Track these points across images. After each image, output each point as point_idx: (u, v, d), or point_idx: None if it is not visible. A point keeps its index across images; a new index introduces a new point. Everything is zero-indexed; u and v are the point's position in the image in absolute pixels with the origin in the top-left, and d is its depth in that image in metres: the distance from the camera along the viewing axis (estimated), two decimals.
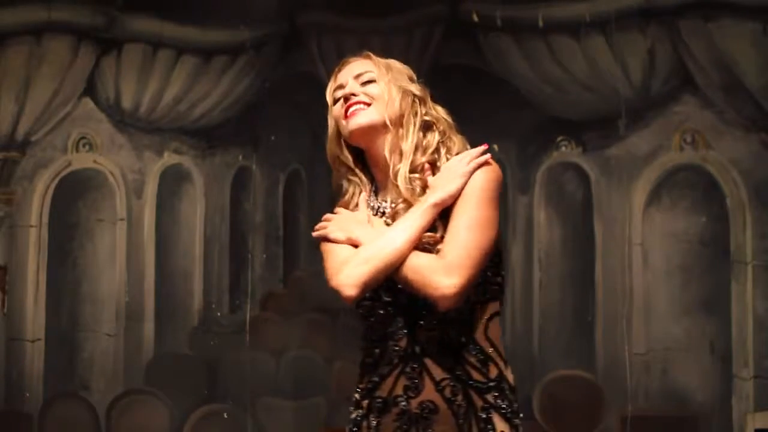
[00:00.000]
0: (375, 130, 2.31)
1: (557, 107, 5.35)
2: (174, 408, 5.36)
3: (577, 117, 5.33)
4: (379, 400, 2.26)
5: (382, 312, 2.24)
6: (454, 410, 2.21)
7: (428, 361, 2.23)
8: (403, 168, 2.28)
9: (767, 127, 5.06)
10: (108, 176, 5.56)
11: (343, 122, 2.32)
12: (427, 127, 2.33)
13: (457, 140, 2.34)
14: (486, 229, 2.19)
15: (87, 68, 5.55)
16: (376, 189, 2.37)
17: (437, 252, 2.17)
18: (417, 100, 2.35)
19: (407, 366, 2.24)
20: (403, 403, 2.23)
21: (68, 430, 5.39)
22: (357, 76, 2.36)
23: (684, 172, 5.19)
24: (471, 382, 2.23)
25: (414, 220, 2.19)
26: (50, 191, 5.55)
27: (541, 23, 5.27)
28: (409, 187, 2.26)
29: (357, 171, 2.36)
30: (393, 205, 2.30)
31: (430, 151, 2.30)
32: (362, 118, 2.31)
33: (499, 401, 2.22)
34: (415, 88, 2.36)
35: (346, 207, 2.34)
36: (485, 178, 2.21)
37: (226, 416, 5.34)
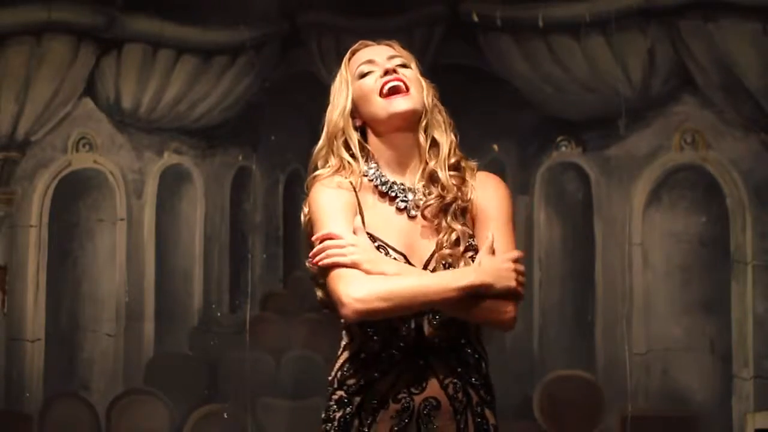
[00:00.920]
0: (416, 116, 2.32)
1: (557, 107, 5.35)
2: (174, 408, 5.36)
3: (577, 117, 5.32)
4: (376, 396, 2.27)
5: None
6: (455, 406, 2.26)
7: (433, 359, 2.25)
8: (443, 163, 2.30)
9: (767, 127, 5.06)
10: (108, 176, 5.56)
11: (378, 98, 2.31)
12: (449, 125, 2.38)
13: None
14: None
15: (87, 68, 5.55)
16: (378, 169, 2.35)
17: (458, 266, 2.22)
18: (437, 97, 2.39)
19: (412, 363, 2.26)
20: (406, 400, 2.25)
21: (68, 430, 5.39)
22: (390, 57, 2.35)
23: (684, 172, 5.18)
24: (470, 380, 2.27)
25: (449, 289, 2.16)
26: (50, 191, 5.55)
27: (541, 23, 5.27)
28: (453, 183, 2.28)
29: (357, 151, 2.34)
30: (421, 199, 2.30)
31: (456, 149, 2.35)
32: (408, 103, 2.31)
33: (488, 396, 2.31)
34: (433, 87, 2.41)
35: (329, 184, 2.30)
36: (509, 198, 2.33)
37: (226, 416, 5.34)
